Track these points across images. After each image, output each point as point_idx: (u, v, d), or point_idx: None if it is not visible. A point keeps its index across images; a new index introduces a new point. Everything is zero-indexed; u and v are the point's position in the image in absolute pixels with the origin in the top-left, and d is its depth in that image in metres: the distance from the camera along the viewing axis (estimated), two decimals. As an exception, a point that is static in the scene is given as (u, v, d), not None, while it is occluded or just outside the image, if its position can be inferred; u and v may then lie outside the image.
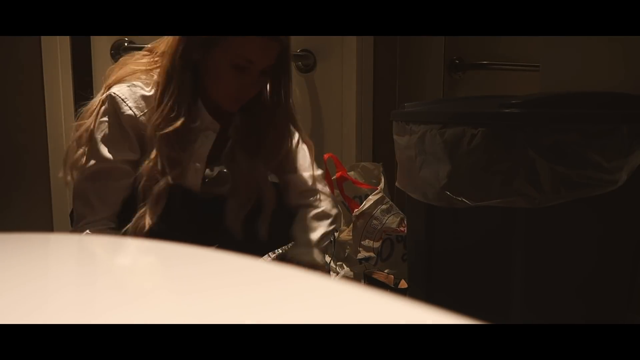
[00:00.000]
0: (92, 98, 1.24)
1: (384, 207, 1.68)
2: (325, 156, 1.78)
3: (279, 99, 1.23)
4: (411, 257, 1.42)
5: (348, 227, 1.72)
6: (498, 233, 1.09)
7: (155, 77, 1.18)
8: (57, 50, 1.75)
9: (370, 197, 1.68)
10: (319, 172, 1.36)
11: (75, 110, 1.78)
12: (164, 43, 1.18)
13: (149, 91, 1.17)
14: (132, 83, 1.18)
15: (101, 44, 1.82)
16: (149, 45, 1.25)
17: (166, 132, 1.13)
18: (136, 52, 1.27)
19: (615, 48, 1.33)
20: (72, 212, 1.25)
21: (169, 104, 1.14)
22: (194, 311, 0.37)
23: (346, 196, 1.77)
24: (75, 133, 1.20)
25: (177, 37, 1.14)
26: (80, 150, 1.18)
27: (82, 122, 1.20)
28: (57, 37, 1.73)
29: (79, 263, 0.54)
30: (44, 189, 1.80)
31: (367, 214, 1.66)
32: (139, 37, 1.80)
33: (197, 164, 1.21)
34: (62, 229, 1.80)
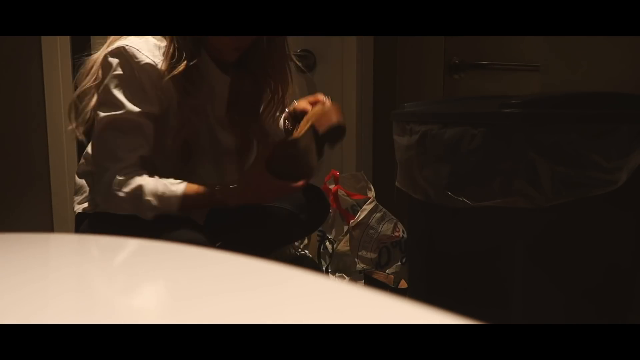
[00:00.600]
0: (89, 55, 1.21)
1: (378, 215, 1.72)
2: (329, 176, 1.82)
3: (275, 45, 1.23)
4: (411, 257, 1.42)
5: (344, 237, 1.75)
6: (498, 233, 1.09)
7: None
8: (57, 50, 1.75)
9: (364, 207, 1.71)
10: None
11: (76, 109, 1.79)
12: None
13: (160, 42, 1.15)
14: (142, 37, 1.15)
15: (101, 44, 1.82)
16: None
17: (175, 76, 1.12)
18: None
19: (616, 48, 1.33)
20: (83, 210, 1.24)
21: (170, 51, 1.13)
22: (192, 311, 0.37)
23: (342, 209, 1.80)
24: (78, 89, 1.17)
25: None
26: (92, 102, 1.14)
27: (83, 80, 1.17)
28: (57, 37, 1.73)
29: (79, 263, 0.54)
30: (44, 189, 1.80)
31: (363, 224, 1.69)
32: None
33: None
34: (62, 229, 1.80)
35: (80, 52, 1.77)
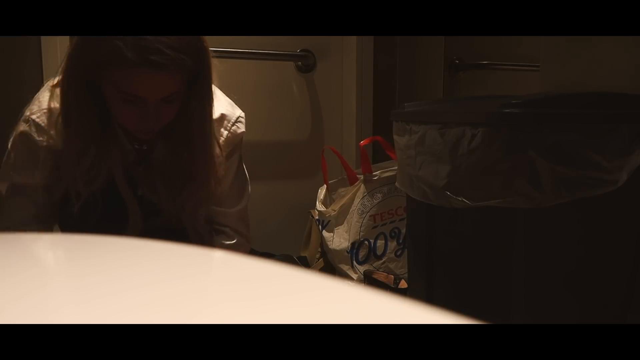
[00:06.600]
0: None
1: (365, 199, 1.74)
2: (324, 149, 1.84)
3: (193, 125, 1.11)
4: (411, 257, 1.42)
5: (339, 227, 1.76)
6: (498, 233, 1.09)
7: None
8: (57, 50, 1.75)
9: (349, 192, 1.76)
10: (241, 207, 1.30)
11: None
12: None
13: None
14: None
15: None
16: None
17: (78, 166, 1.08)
18: None
19: (616, 48, 1.33)
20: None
21: (74, 130, 1.06)
22: (190, 310, 0.37)
23: (347, 165, 1.85)
24: None
25: (69, 53, 1.03)
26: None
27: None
28: (57, 37, 1.73)
29: (79, 262, 0.54)
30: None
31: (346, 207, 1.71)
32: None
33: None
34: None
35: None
